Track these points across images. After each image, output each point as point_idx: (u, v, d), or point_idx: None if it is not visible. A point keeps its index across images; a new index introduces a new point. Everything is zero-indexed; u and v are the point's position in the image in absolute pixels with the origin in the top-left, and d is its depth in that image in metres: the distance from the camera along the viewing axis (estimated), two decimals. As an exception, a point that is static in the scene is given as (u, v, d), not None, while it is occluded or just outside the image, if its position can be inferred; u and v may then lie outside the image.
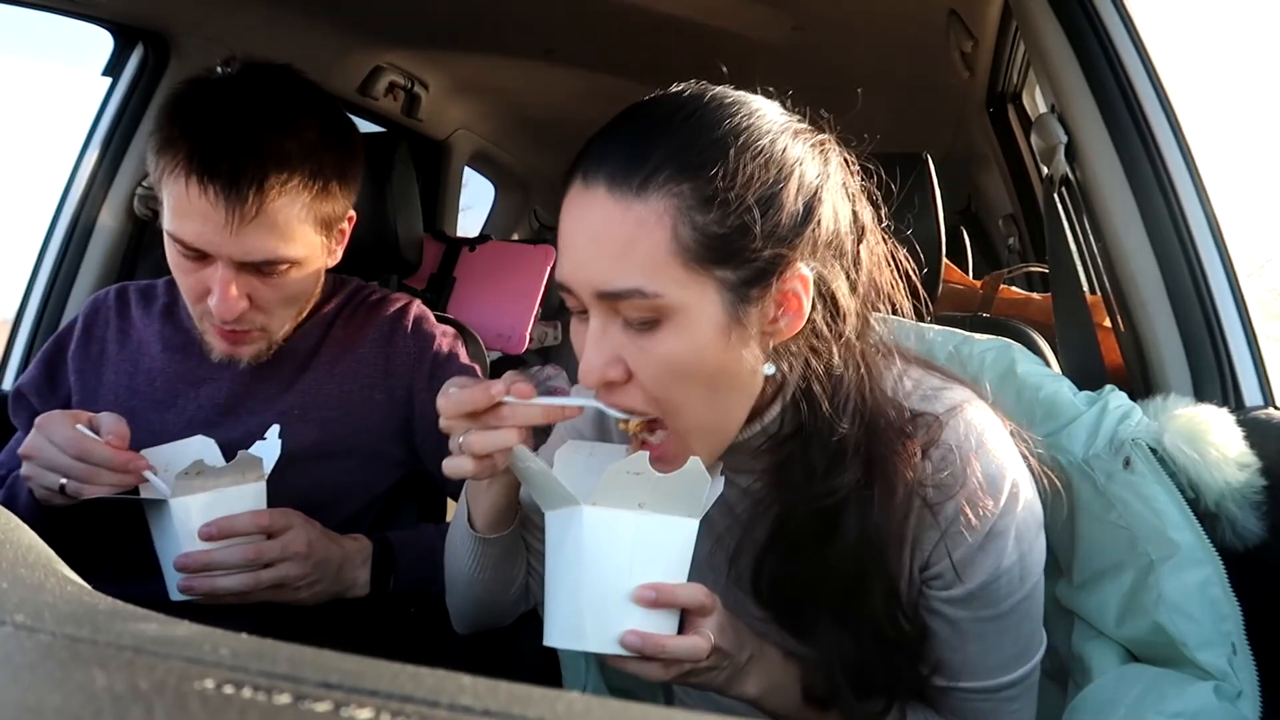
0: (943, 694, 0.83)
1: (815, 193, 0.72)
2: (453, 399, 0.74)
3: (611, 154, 0.70)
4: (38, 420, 0.98)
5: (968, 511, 0.75)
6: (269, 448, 1.01)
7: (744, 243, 0.69)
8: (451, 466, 0.74)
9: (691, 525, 0.72)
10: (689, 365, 0.70)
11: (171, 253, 1.04)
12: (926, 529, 0.77)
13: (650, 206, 0.68)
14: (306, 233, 1.05)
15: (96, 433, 0.96)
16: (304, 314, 1.16)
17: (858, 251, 0.77)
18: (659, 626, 0.71)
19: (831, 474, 0.76)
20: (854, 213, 0.77)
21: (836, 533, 0.76)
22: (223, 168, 0.97)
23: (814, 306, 0.73)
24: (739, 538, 0.83)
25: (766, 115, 0.73)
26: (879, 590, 0.77)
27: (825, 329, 0.74)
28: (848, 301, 0.75)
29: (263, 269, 1.03)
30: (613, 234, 0.69)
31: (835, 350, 0.75)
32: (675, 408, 0.72)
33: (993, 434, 0.79)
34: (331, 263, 1.15)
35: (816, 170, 0.73)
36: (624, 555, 0.70)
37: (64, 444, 0.94)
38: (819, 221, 0.72)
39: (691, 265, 0.68)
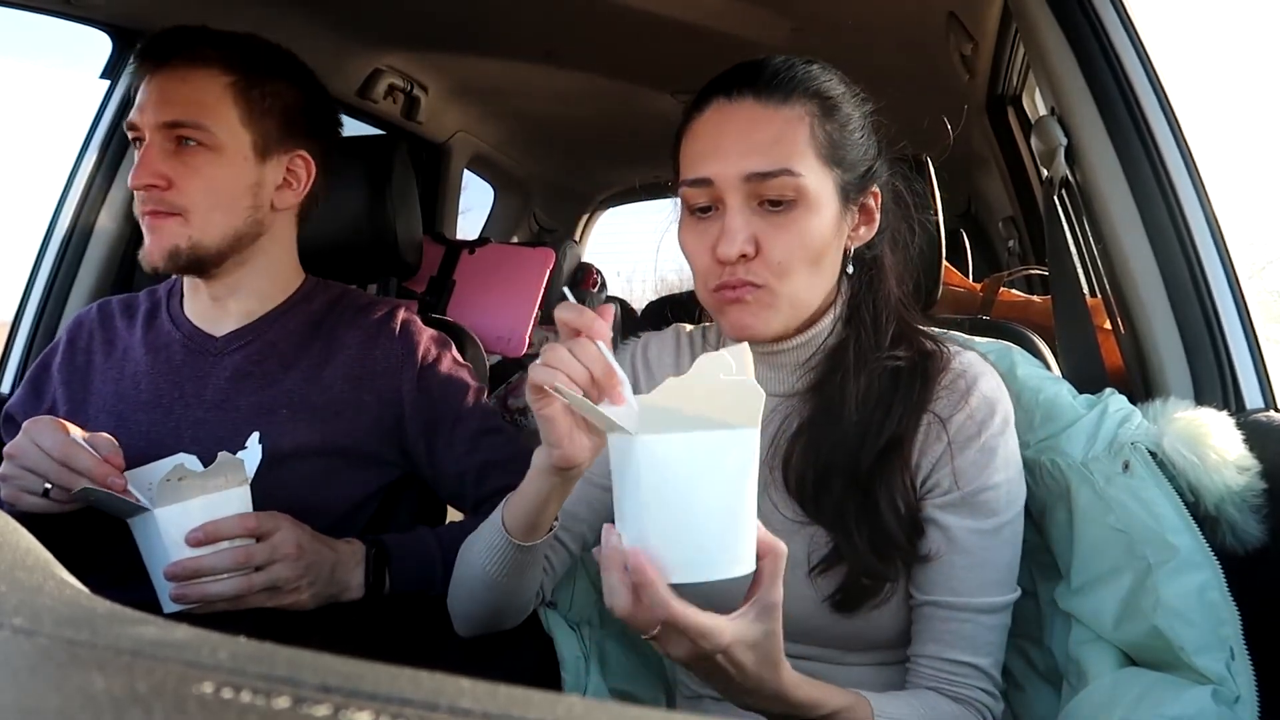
0: (928, 613, 0.89)
1: (878, 138, 0.96)
2: (564, 306, 0.77)
3: (753, 78, 0.90)
4: (26, 424, 0.98)
5: (969, 424, 0.90)
6: (250, 455, 1.00)
7: (855, 152, 0.92)
8: (534, 371, 0.75)
9: (751, 435, 0.66)
10: (810, 243, 0.88)
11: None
12: (933, 442, 0.90)
13: (794, 110, 0.89)
14: (229, 117, 1.12)
15: (93, 448, 0.96)
16: (231, 239, 1.15)
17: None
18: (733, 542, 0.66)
19: (895, 344, 0.93)
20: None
21: (888, 400, 0.91)
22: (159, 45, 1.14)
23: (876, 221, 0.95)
24: (773, 439, 0.95)
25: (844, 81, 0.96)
26: (897, 472, 0.89)
27: (877, 241, 0.96)
28: (893, 220, 0.98)
29: (179, 132, 1.11)
30: (765, 129, 0.88)
31: (884, 259, 0.96)
32: (787, 277, 0.88)
33: (990, 372, 0.94)
34: (279, 202, 1.17)
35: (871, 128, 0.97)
36: (683, 479, 0.65)
37: (50, 447, 0.94)
38: (883, 157, 0.96)
39: (822, 159, 0.89)
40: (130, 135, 1.15)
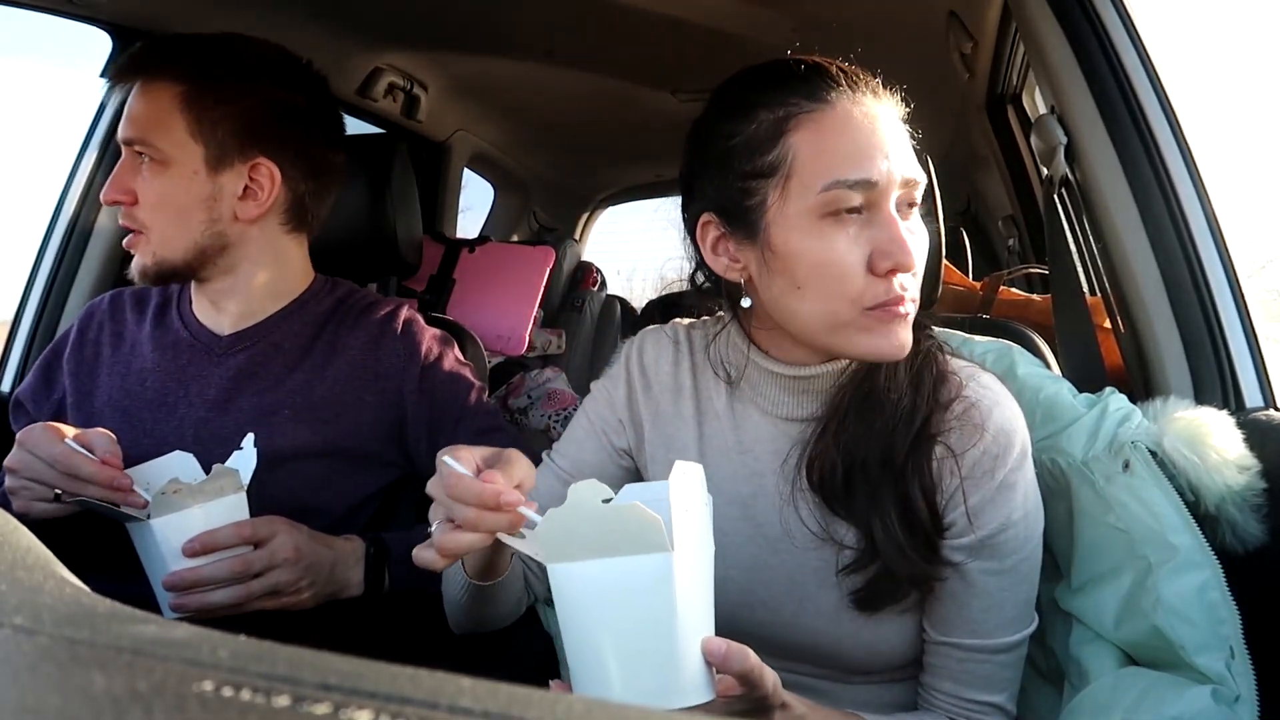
0: (945, 652, 0.86)
1: None
2: (448, 483, 0.72)
3: (851, 76, 0.83)
4: (20, 436, 0.97)
5: (985, 460, 0.84)
6: (245, 458, 1.00)
7: None
8: (421, 558, 0.74)
9: (665, 560, 0.62)
10: (928, 252, 0.84)
11: None
12: (947, 474, 0.84)
13: (897, 110, 0.85)
14: (176, 130, 1.09)
15: (89, 449, 0.95)
16: (194, 253, 1.13)
17: None
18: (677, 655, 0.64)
19: (917, 343, 0.86)
20: None
21: (915, 387, 0.85)
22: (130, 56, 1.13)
23: None
24: (799, 456, 0.89)
25: None
26: (923, 469, 0.84)
27: None
28: None
29: (135, 149, 1.10)
30: (899, 129, 0.83)
31: None
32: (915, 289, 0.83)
33: (1006, 398, 0.88)
34: (242, 213, 1.13)
35: None
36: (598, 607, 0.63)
37: (51, 459, 0.93)
38: None
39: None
40: None
